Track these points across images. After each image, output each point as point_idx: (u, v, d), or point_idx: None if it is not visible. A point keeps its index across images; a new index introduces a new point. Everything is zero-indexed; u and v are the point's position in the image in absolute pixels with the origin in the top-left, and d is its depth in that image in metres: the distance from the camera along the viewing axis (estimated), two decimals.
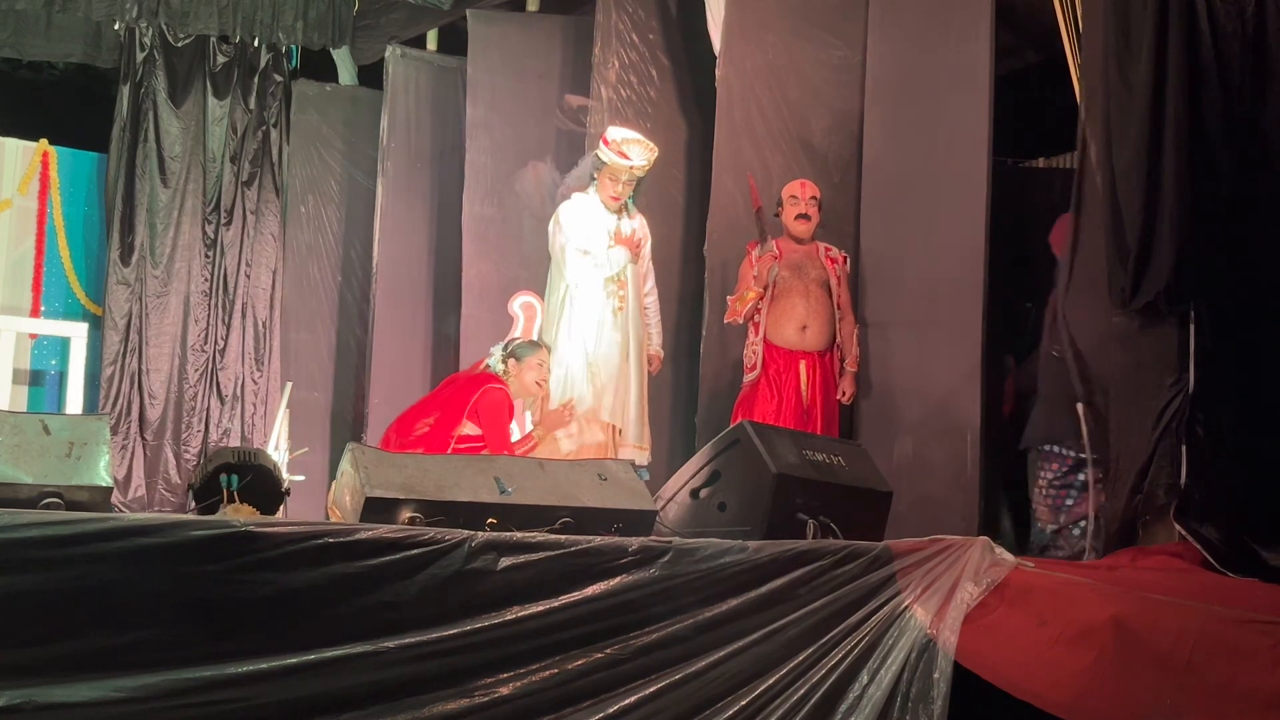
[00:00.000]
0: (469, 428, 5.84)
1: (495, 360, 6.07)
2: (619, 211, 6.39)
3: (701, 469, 4.41)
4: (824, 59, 6.78)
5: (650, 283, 6.56)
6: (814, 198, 6.29)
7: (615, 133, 6.39)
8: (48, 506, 3.31)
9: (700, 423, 6.57)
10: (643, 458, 6.27)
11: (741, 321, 6.21)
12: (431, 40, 9.08)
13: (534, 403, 6.30)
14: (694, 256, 7.04)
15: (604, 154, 6.34)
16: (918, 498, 5.80)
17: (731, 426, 4.62)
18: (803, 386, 6.12)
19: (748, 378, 6.19)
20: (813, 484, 4.28)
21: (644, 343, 6.43)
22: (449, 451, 5.72)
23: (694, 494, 4.40)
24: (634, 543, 3.63)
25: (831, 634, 3.77)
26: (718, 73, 6.70)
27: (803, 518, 4.16)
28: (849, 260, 6.38)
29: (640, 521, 4.04)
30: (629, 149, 6.31)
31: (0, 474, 3.34)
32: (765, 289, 6.14)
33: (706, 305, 6.60)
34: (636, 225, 6.50)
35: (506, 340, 6.34)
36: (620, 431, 6.30)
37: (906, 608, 3.83)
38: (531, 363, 6.02)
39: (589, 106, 7.31)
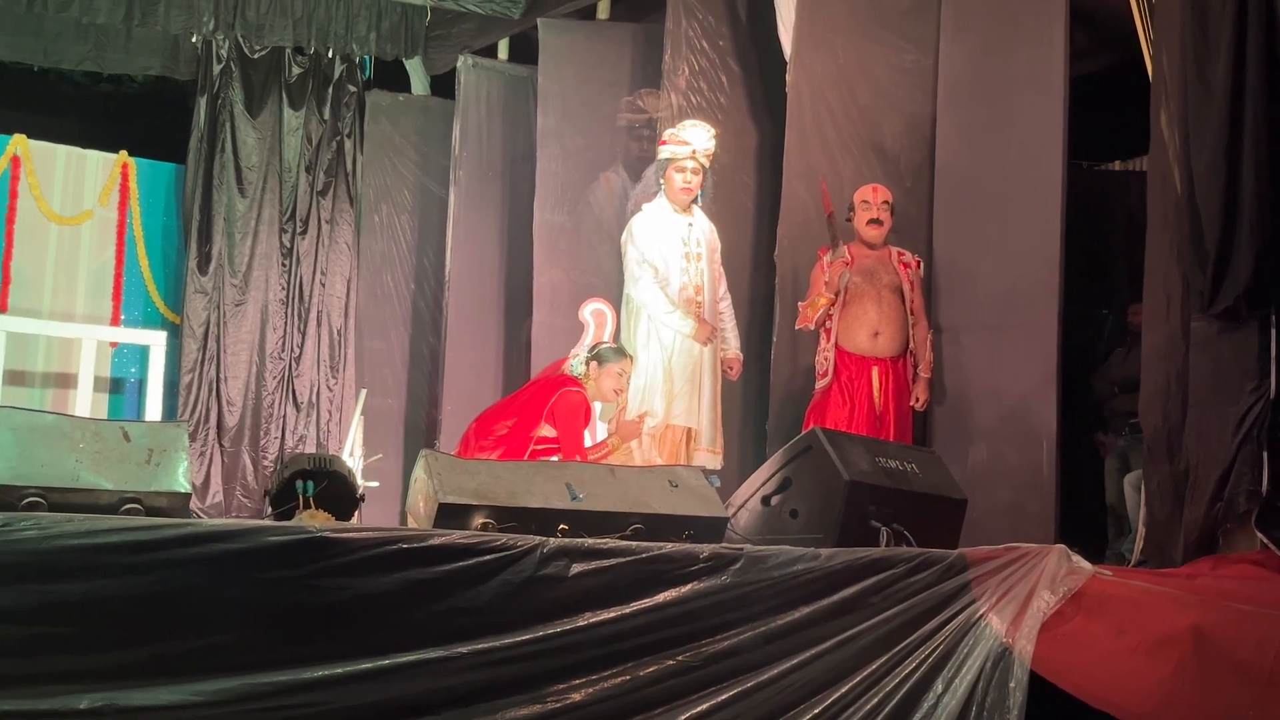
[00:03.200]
0: (547, 429, 5.87)
1: (577, 362, 6.09)
2: (688, 208, 6.38)
3: (773, 476, 4.39)
4: (895, 63, 6.74)
5: (723, 288, 6.56)
6: (886, 202, 6.25)
7: (672, 129, 6.44)
8: (128, 512, 3.36)
9: (771, 429, 6.54)
10: (715, 462, 6.27)
11: (813, 328, 6.18)
12: (503, 50, 9.13)
13: (610, 412, 6.32)
14: (765, 263, 7.02)
15: (665, 151, 6.38)
16: (993, 505, 5.74)
17: (803, 433, 4.59)
18: (875, 393, 6.08)
19: (819, 384, 6.16)
20: (886, 491, 4.25)
21: (718, 346, 6.43)
22: (527, 453, 5.76)
23: (765, 501, 4.38)
24: (705, 549, 3.62)
25: (905, 643, 3.73)
26: (788, 78, 6.67)
27: (876, 525, 4.14)
28: (922, 265, 6.33)
29: (711, 528, 4.03)
30: (685, 133, 6.35)
31: (82, 480, 3.40)
32: (837, 295, 6.11)
33: (777, 311, 6.57)
34: (708, 229, 6.50)
35: (594, 343, 6.36)
36: (694, 435, 6.30)
37: (981, 616, 3.79)
38: (613, 370, 6.03)
39: (658, 115, 7.32)
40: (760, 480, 4.43)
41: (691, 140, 6.35)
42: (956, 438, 6.13)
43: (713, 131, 6.44)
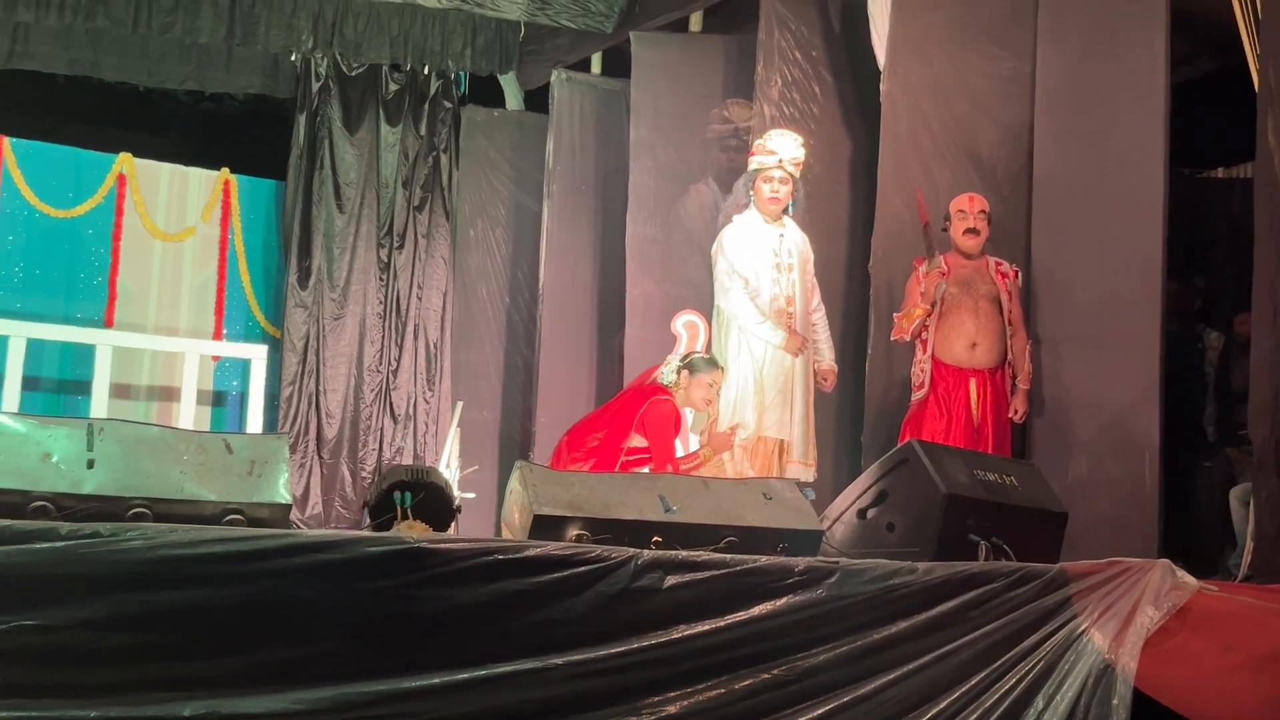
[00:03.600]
0: (637, 439, 5.89)
1: (668, 370, 6.09)
2: (779, 217, 6.36)
3: (869, 489, 4.36)
4: (991, 71, 6.66)
5: (816, 298, 6.53)
6: (983, 212, 6.17)
7: (760, 139, 6.43)
8: (230, 523, 3.43)
9: (866, 442, 6.49)
10: (808, 474, 6.23)
11: (908, 339, 6.13)
12: (596, 64, 9.18)
13: (702, 424, 6.31)
14: (859, 274, 6.97)
15: (753, 161, 6.39)
16: (1094, 518, 5.64)
17: (899, 445, 4.55)
18: (973, 404, 6.00)
19: (915, 396, 6.10)
20: (984, 504, 4.20)
21: (810, 357, 6.39)
22: (618, 464, 5.77)
23: (861, 514, 4.35)
24: (800, 563, 3.60)
25: (1005, 658, 3.68)
26: (882, 87, 6.63)
27: (974, 539, 4.09)
28: (1020, 274, 6.25)
29: (806, 541, 4.01)
30: (772, 142, 6.35)
31: (186, 491, 3.47)
32: (933, 306, 6.05)
33: (872, 323, 6.52)
34: (800, 240, 6.47)
35: (686, 352, 6.36)
36: (787, 447, 6.27)
37: (1083, 632, 3.72)
38: (703, 380, 6.03)
39: (746, 125, 7.32)
40: (855, 493, 4.40)
41: (778, 149, 6.34)
42: (1056, 450, 6.03)
43: (800, 140, 6.42)
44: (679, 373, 6.05)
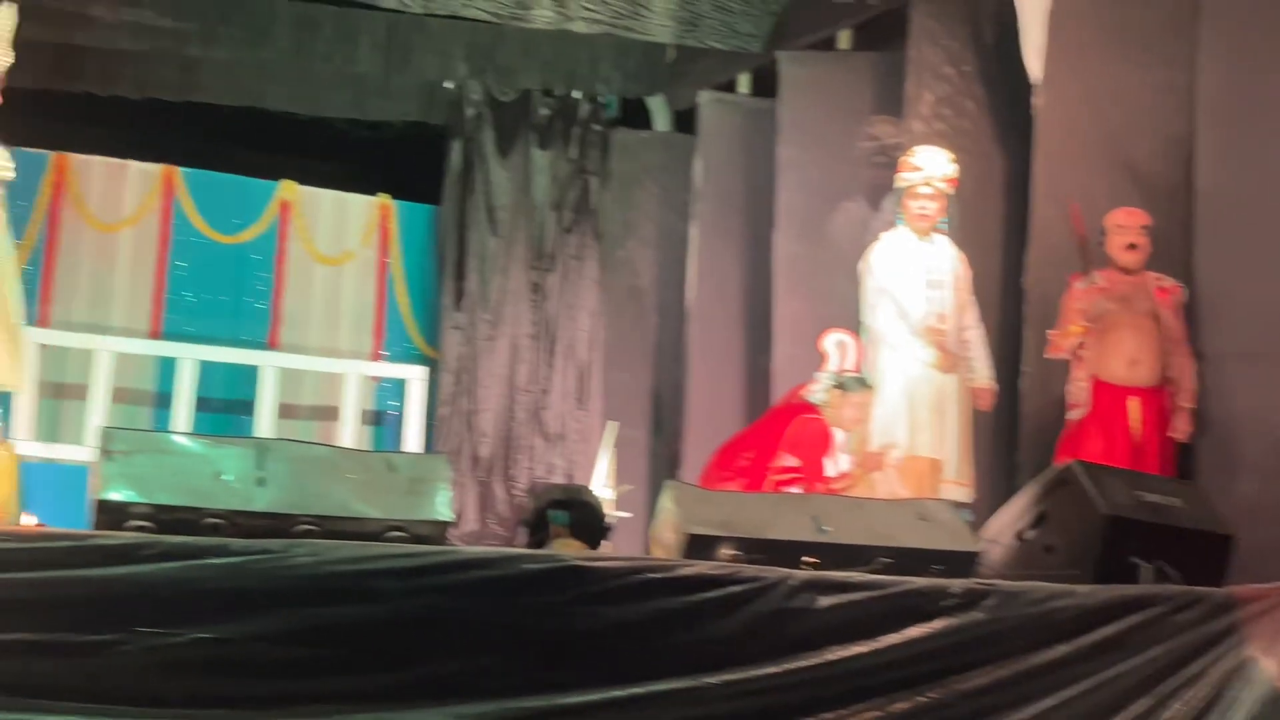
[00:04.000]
0: (786, 458, 5.87)
1: (819, 389, 6.08)
2: (928, 233, 6.30)
3: (1026, 510, 4.29)
4: (1149, 81, 6.50)
5: (973, 316, 6.43)
6: (1144, 226, 6.03)
7: (907, 156, 6.38)
8: (393, 540, 3.52)
9: (1022, 462, 6.37)
10: (962, 494, 6.14)
11: (1065, 356, 6.00)
12: (744, 84, 9.20)
13: (854, 443, 6.27)
14: (1013, 290, 6.85)
15: (901, 179, 6.33)
16: (1262, 542, 5.43)
17: (1058, 465, 4.47)
18: (1133, 424, 5.85)
19: (1073, 415, 5.97)
20: (1147, 526, 4.10)
21: (965, 377, 6.30)
22: (768, 483, 5.77)
23: (1019, 535, 4.28)
24: (956, 585, 3.56)
25: (1169, 684, 3.60)
26: (1035, 101, 6.52)
27: (1136, 562, 3.99)
28: (1183, 290, 6.07)
29: (962, 563, 3.96)
30: (918, 158, 6.29)
31: (350, 509, 3.58)
32: (1091, 323, 5.92)
33: (1027, 340, 6.41)
34: (952, 257, 6.40)
35: (838, 369, 6.33)
36: (940, 466, 6.19)
37: (1253, 658, 3.61)
38: (854, 399, 6.00)
39: (893, 142, 7.27)
40: (1013, 514, 4.33)
41: (924, 166, 6.29)
42: (1222, 471, 5.84)
43: (948, 155, 6.36)
44: (830, 391, 6.02)
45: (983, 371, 6.41)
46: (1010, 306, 6.96)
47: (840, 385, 6.03)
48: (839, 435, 6.19)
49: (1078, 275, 6.04)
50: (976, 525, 4.69)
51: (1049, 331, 6.11)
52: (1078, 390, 5.97)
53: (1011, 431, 6.66)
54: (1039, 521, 4.23)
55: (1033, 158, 6.53)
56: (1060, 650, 3.56)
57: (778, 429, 5.96)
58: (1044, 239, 6.45)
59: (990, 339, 6.69)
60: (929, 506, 4.19)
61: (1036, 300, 6.43)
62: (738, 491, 5.64)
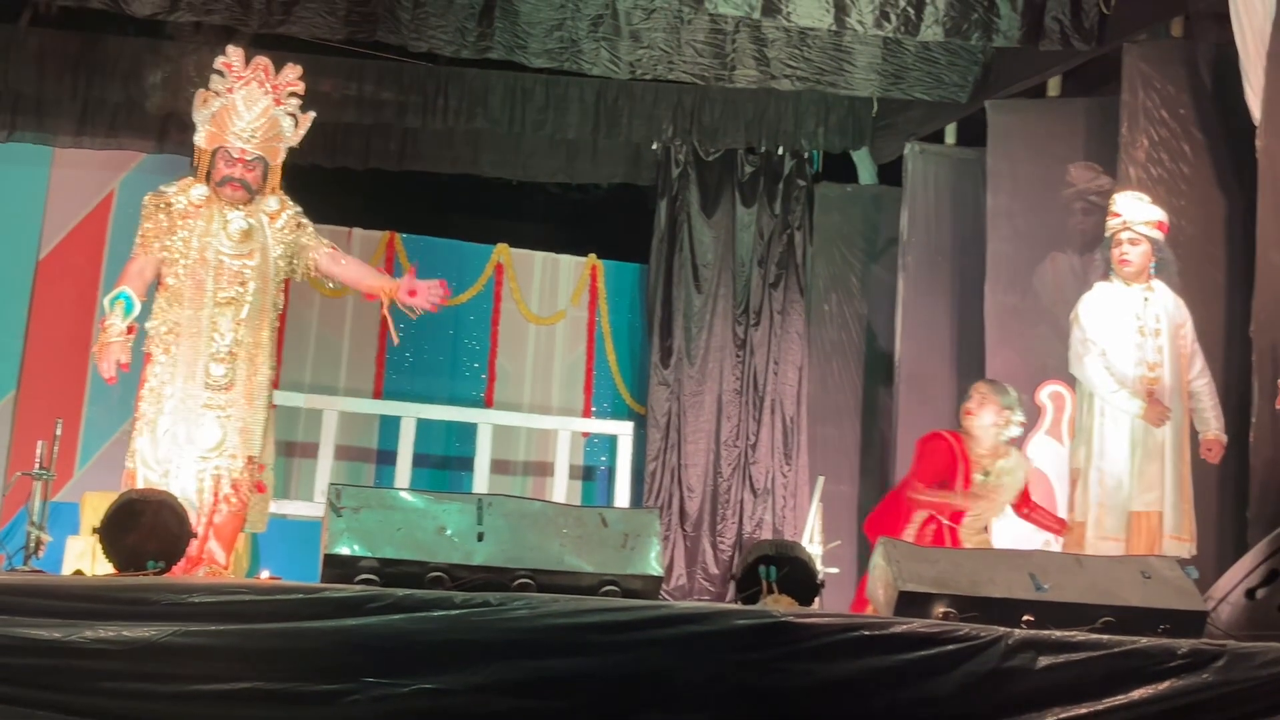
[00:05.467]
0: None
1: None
2: (1138, 280, 6.11)
3: (1257, 567, 4.11)
4: None
5: (1199, 365, 6.19)
6: None
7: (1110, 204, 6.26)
8: (606, 594, 3.59)
9: (1253, 517, 6.09)
10: (1183, 549, 5.89)
11: None
12: (950, 134, 9.12)
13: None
14: (1239, 339, 6.59)
15: (1107, 226, 6.18)
16: None
17: None
18: None
19: None
20: None
21: (1185, 426, 6.07)
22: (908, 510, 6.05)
23: (1249, 594, 4.10)
24: (1184, 645, 3.44)
25: None
26: (1258, 143, 6.29)
27: None
28: None
29: (1189, 622, 3.82)
30: (1118, 205, 6.14)
31: (566, 563, 3.67)
32: None
33: (1255, 391, 6.15)
34: (1170, 303, 6.19)
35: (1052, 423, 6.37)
36: (1159, 521, 5.97)
37: None
38: (978, 402, 6.28)
39: (1089, 188, 7.11)
40: (1243, 572, 4.16)
41: (1123, 212, 6.13)
42: None
43: (1147, 199, 6.17)
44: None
45: (1213, 423, 6.15)
46: (1236, 356, 6.70)
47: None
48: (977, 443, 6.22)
49: None
50: (1204, 583, 4.51)
51: (1278, 382, 5.85)
52: None
53: (1241, 485, 6.39)
54: (1271, 579, 4.05)
55: (1257, 202, 6.30)
56: None
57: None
58: (1270, 285, 6.20)
59: (1217, 389, 6.45)
60: (1153, 564, 4.05)
61: (1264, 348, 6.17)
62: (952, 549, 5.59)
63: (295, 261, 5.31)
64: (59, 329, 8.45)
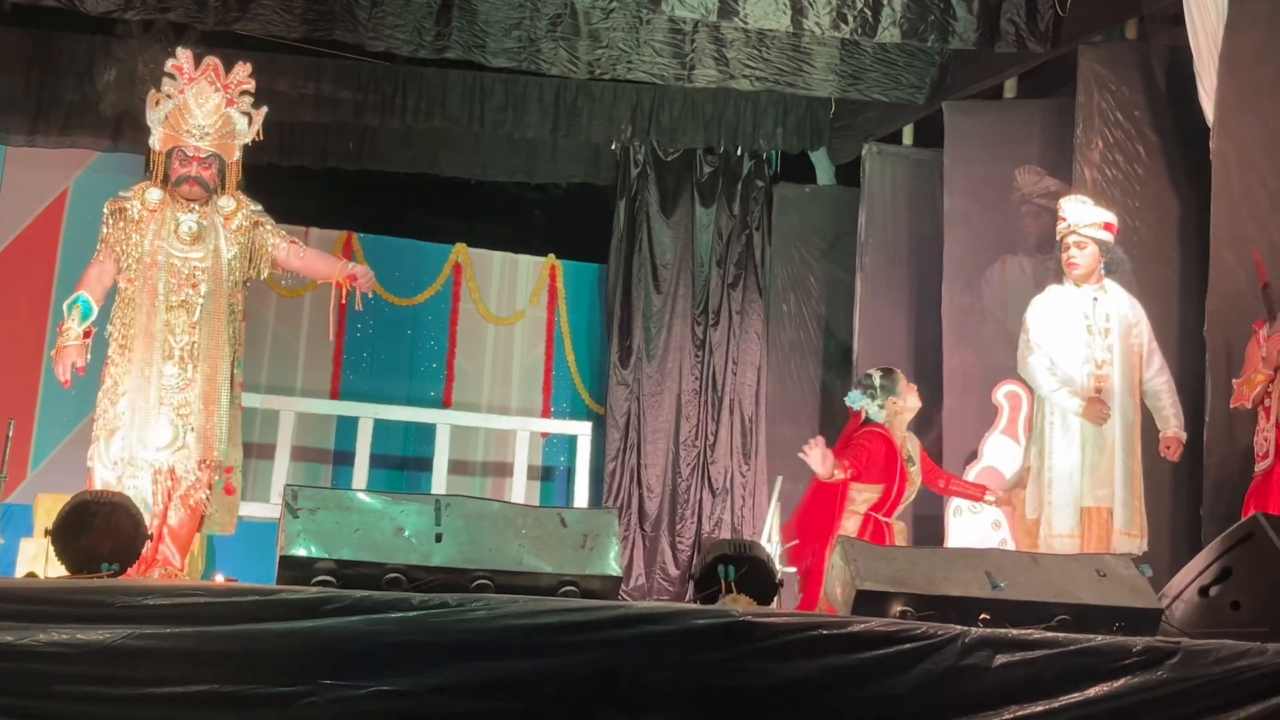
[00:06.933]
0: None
1: (873, 408, 6.26)
2: (1087, 281, 6.15)
3: (1210, 565, 4.15)
4: None
5: (1157, 363, 6.23)
6: None
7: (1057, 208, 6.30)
8: (565, 594, 3.58)
9: (1206, 515, 6.15)
10: (1133, 545, 5.94)
11: (1250, 406, 5.80)
12: (907, 135, 9.17)
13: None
14: (1192, 338, 6.66)
15: (1056, 231, 6.23)
16: None
17: (1244, 519, 4.32)
18: None
19: (1259, 467, 5.75)
20: None
21: (1136, 423, 6.11)
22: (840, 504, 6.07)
23: (1203, 591, 4.14)
24: (1138, 642, 3.47)
25: None
26: (1212, 145, 6.35)
27: None
28: None
29: (1144, 620, 3.85)
30: (1064, 209, 6.18)
31: (524, 563, 3.65)
32: (1276, 370, 5.71)
33: (1209, 390, 6.21)
34: (1123, 304, 6.23)
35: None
36: (1109, 516, 6.02)
37: None
38: (903, 390, 6.25)
39: (1033, 191, 7.18)
40: (1197, 570, 4.20)
41: (1068, 215, 6.16)
42: None
43: (1090, 202, 6.21)
44: (882, 406, 6.20)
45: (1171, 421, 6.19)
46: (1190, 355, 6.76)
47: (885, 389, 6.22)
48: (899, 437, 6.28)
49: (1261, 322, 5.85)
50: (1158, 580, 4.55)
51: (1233, 380, 5.91)
52: (1264, 441, 5.75)
53: (1194, 483, 6.46)
54: (1224, 577, 4.09)
55: (1211, 203, 6.36)
56: (1249, 711, 3.43)
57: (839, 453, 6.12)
58: (1224, 285, 6.27)
59: None
60: (1108, 562, 4.09)
61: (1218, 348, 6.24)
62: (908, 548, 5.62)
63: (256, 260, 5.29)
64: (12, 328, 8.35)
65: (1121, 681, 3.40)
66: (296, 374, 9.14)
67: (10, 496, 5.47)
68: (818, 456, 5.87)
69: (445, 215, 9.82)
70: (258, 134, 5.31)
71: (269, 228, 5.33)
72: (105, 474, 4.94)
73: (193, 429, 5.02)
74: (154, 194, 5.16)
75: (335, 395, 9.11)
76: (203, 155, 5.15)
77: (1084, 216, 6.16)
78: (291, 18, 7.11)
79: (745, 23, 6.91)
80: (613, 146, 9.57)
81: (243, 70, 5.28)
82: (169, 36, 7.71)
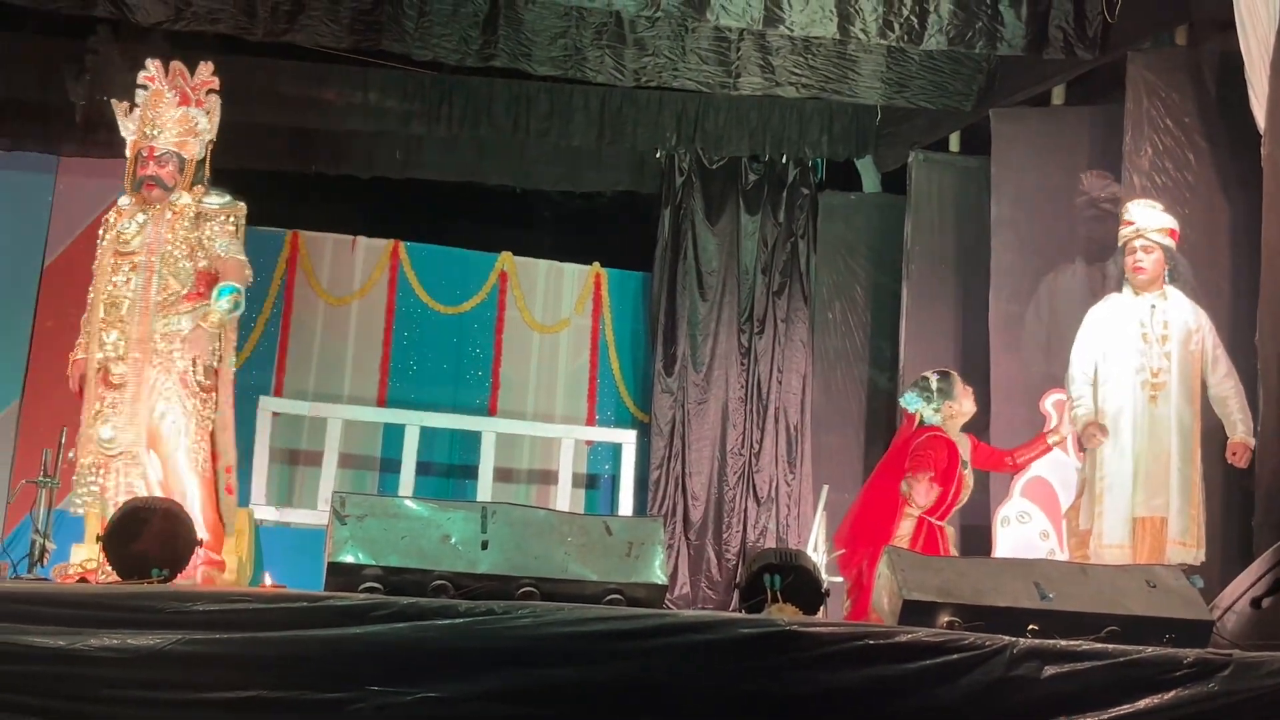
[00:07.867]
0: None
1: (928, 411, 6.18)
2: (1150, 288, 6.10)
3: (1263, 575, 4.10)
4: None
5: (1224, 368, 6.15)
6: None
7: (1122, 212, 6.24)
8: (610, 602, 3.58)
9: (1258, 525, 6.06)
10: (1189, 555, 5.87)
11: None
12: (954, 142, 9.12)
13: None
14: (1244, 346, 6.58)
15: (1119, 236, 6.17)
16: None
17: None
18: None
19: None
20: None
21: (1195, 432, 6.04)
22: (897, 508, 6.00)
23: (1255, 603, 4.09)
24: (1189, 654, 3.43)
25: None
26: (1263, 150, 6.27)
27: None
28: None
29: (1195, 632, 3.81)
30: (1130, 213, 6.14)
31: (570, 571, 3.66)
32: None
33: (1261, 399, 6.12)
34: (1184, 310, 6.17)
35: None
36: (1163, 526, 5.96)
37: None
38: (960, 394, 6.18)
39: (1099, 196, 7.10)
40: (1249, 581, 4.15)
41: (1136, 219, 6.12)
42: None
43: (1159, 207, 6.16)
44: (938, 410, 6.13)
45: (1239, 426, 6.09)
46: (1242, 363, 6.68)
47: (941, 393, 6.16)
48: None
49: None
50: (1210, 591, 4.49)
51: None
52: None
53: (1247, 492, 6.37)
54: (1277, 588, 4.04)
55: (1262, 209, 6.29)
56: None
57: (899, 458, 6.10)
58: (1275, 293, 6.18)
59: None
60: (1159, 573, 4.04)
61: (1269, 356, 6.15)
62: (957, 558, 5.59)
63: (196, 254, 5.29)
64: (64, 337, 8.44)
65: (1172, 694, 3.36)
66: (344, 381, 9.20)
67: (62, 503, 5.54)
68: None
69: (491, 223, 9.84)
70: (211, 137, 5.37)
71: (218, 229, 5.30)
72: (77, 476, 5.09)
73: (124, 424, 5.08)
74: (124, 199, 5.34)
75: (382, 403, 9.16)
76: (158, 153, 5.26)
77: (1152, 221, 6.12)
78: (339, 28, 7.17)
79: (791, 30, 6.90)
80: (658, 155, 9.57)
81: (205, 70, 5.40)
82: (216, 47, 7.78)
